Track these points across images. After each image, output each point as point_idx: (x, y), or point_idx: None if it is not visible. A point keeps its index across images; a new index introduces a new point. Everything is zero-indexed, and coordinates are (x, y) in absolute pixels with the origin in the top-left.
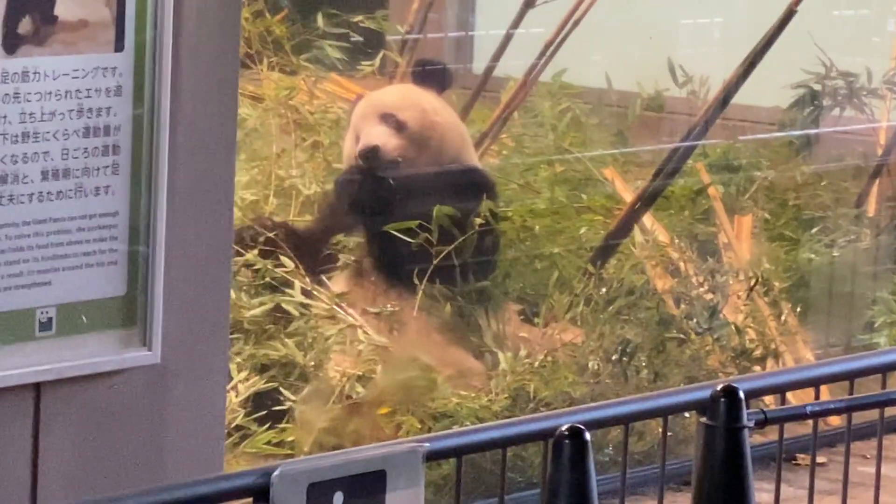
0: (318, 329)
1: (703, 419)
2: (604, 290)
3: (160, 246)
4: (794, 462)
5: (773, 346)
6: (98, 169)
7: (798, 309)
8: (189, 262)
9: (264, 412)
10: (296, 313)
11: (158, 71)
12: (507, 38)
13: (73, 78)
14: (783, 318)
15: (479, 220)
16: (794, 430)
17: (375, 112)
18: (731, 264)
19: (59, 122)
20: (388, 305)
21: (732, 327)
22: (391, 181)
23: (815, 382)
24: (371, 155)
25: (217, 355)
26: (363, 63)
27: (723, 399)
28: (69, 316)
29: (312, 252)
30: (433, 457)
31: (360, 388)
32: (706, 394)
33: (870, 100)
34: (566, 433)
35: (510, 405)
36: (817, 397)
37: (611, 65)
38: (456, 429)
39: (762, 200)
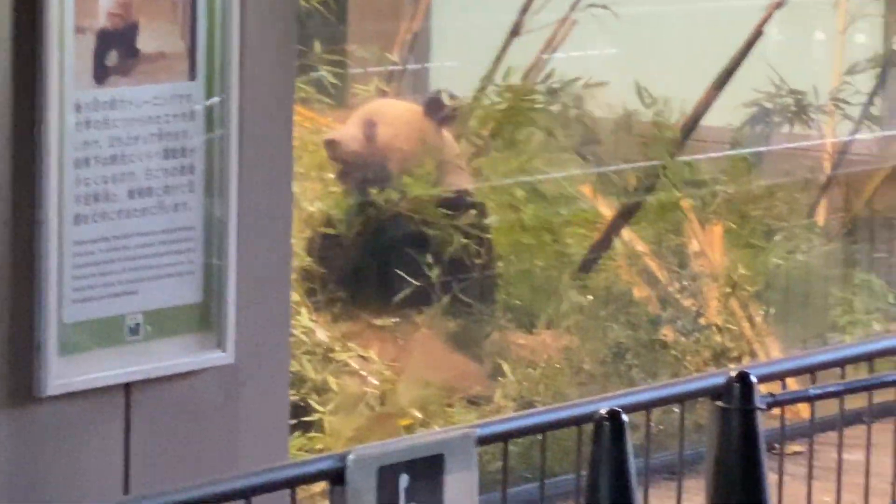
0: (330, 354)
1: (719, 403)
2: (590, 297)
3: (231, 257)
4: (773, 451)
5: (748, 346)
6: (176, 187)
7: (771, 311)
8: (255, 271)
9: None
10: (304, 339)
11: (227, 97)
12: (495, 67)
13: (154, 105)
14: (757, 320)
15: (465, 241)
16: (768, 423)
17: (366, 115)
18: (708, 271)
19: (142, 145)
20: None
21: (714, 328)
22: (382, 205)
23: (812, 369)
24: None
25: (281, 355)
26: (358, 87)
27: (737, 384)
28: (154, 322)
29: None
30: (483, 441)
31: (377, 405)
32: (718, 380)
33: (817, 115)
34: (605, 416)
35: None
36: (813, 383)
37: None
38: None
39: (724, 212)
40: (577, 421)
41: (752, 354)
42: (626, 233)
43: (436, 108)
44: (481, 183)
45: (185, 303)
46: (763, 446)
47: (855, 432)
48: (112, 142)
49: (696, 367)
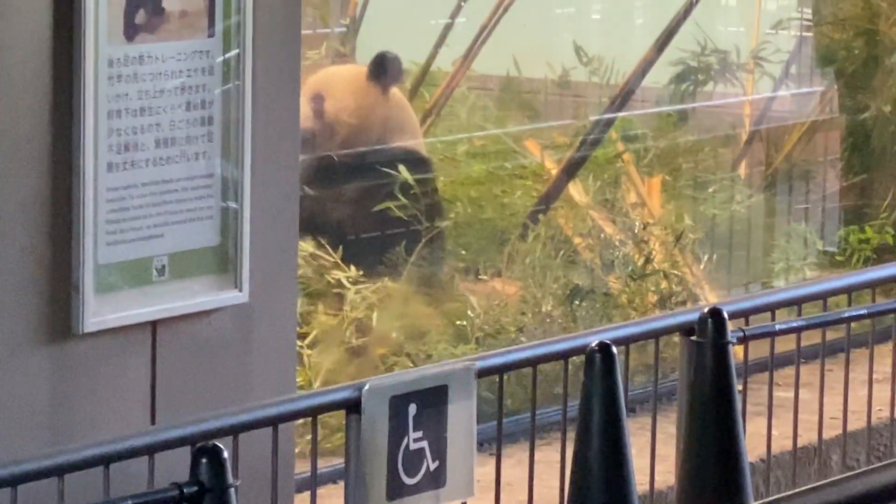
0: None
1: (693, 337)
2: (540, 246)
3: (246, 203)
4: None
5: (690, 290)
6: (197, 138)
7: (713, 258)
8: (266, 216)
9: None
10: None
11: (241, 53)
12: (447, 28)
13: (178, 60)
14: (697, 267)
15: (425, 190)
16: None
17: (313, 88)
18: (650, 220)
19: (167, 98)
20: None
21: (661, 274)
22: (335, 158)
23: (773, 307)
24: None
25: (289, 295)
26: (309, 53)
27: (710, 319)
28: (178, 263)
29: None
30: (482, 374)
31: (355, 337)
32: (691, 317)
33: (739, 74)
34: (596, 348)
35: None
36: (773, 320)
37: (523, 52)
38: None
39: (657, 166)
40: (566, 355)
41: (695, 299)
42: (572, 185)
43: (381, 70)
44: (429, 140)
45: (205, 245)
46: (735, 378)
47: (788, 372)
48: (140, 95)
49: (644, 311)
